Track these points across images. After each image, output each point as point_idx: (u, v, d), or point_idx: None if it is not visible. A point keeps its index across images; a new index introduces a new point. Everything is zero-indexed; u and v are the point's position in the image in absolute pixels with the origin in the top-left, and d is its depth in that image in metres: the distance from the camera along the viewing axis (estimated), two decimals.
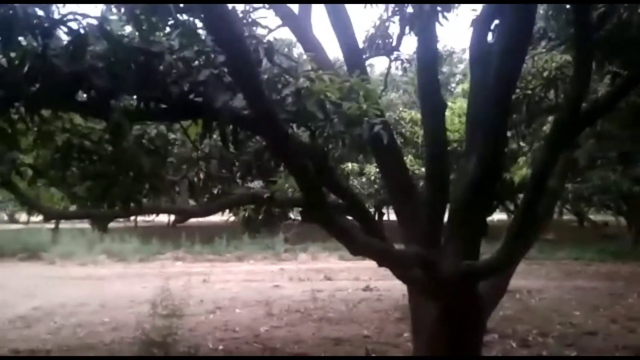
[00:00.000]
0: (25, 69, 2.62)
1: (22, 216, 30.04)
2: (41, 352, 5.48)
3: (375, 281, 9.72)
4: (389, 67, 5.80)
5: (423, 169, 4.40)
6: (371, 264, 7.63)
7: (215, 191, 4.80)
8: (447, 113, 5.35)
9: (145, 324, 6.72)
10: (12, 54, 2.78)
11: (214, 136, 3.46)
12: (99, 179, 3.13)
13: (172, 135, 3.55)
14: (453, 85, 21.24)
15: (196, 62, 2.48)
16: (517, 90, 4.81)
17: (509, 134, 5.32)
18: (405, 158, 4.47)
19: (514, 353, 5.56)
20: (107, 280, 10.79)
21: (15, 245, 14.89)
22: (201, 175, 3.79)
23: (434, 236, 3.92)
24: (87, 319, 6.93)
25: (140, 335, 6.02)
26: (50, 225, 19.77)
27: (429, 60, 4.28)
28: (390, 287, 8.60)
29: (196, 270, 11.64)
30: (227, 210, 5.23)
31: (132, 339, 5.93)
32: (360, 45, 4.75)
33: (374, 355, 5.43)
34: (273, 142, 2.83)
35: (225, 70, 2.47)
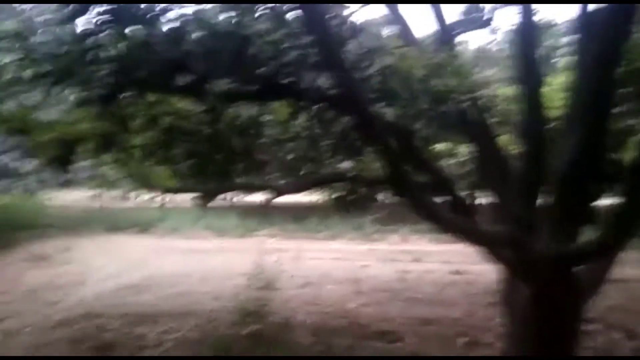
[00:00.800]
0: (132, 57, 2.87)
1: (133, 195, 32.99)
2: (149, 317, 6.04)
3: (465, 265, 9.45)
4: (483, 42, 5.56)
5: (518, 148, 4.20)
6: (462, 247, 7.44)
7: (303, 171, 4.94)
8: (547, 88, 5.03)
9: (241, 295, 7.19)
10: (120, 45, 3.05)
11: (303, 117, 3.57)
12: (197, 157, 3.38)
13: (263, 117, 3.72)
14: (555, 59, 19.71)
15: (284, 45, 2.57)
16: (626, 62, 4.38)
17: (617, 110, 4.87)
18: (500, 136, 4.29)
19: (619, 344, 5.19)
20: (208, 253, 11.55)
21: (128, 221, 16.40)
22: (290, 156, 3.93)
23: (528, 217, 3.75)
24: (191, 288, 7.51)
25: (238, 305, 6.46)
26: (158, 203, 21.46)
27: (527, 33, 4.04)
28: (482, 271, 8.33)
29: (288, 247, 12.08)
30: (317, 190, 5.37)
31: (230, 308, 6.34)
32: (453, 19, 4.59)
33: (467, 338, 5.36)
34: (358, 121, 2.87)
35: (312, 51, 2.54)
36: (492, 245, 3.48)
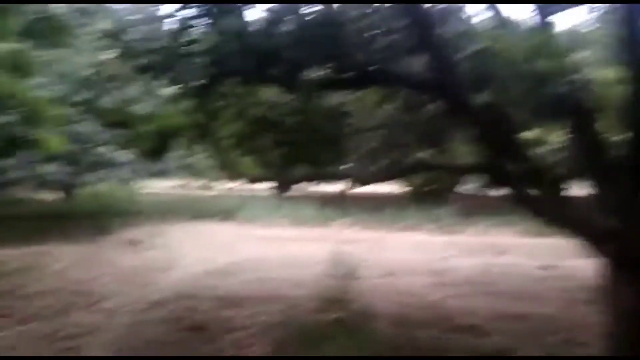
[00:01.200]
0: (226, 49, 2.95)
1: (218, 183, 34.47)
2: (235, 300, 6.28)
3: (554, 259, 8.96)
4: (578, 22, 5.18)
5: (621, 135, 3.89)
6: (548, 240, 7.01)
7: (387, 160, 4.88)
8: None
9: (321, 283, 7.28)
10: (214, 37, 3.15)
11: (391, 104, 3.52)
12: (286, 146, 3.44)
13: (349, 105, 3.71)
14: None
15: (377, 30, 2.54)
16: None
17: None
18: (600, 122, 4.00)
19: None
20: (287, 241, 11.81)
21: (211, 209, 17.18)
22: (375, 144, 3.90)
23: (634, 208, 3.47)
24: (272, 275, 7.72)
25: (319, 293, 6.55)
26: (238, 192, 22.25)
27: (634, 13, 3.72)
28: (572, 266, 7.87)
29: (365, 237, 12.09)
30: (402, 179, 5.30)
31: (312, 295, 6.45)
32: None
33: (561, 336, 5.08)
34: (452, 106, 2.77)
35: (406, 35, 2.48)
36: (597, 239, 3.24)
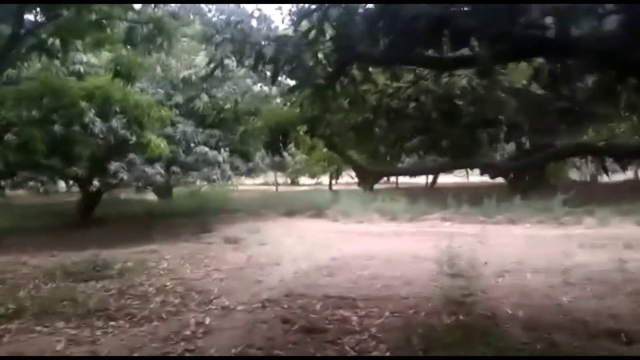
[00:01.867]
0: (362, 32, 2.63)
1: (302, 179, 34.93)
2: (347, 300, 6.02)
3: None
4: None
5: None
6: None
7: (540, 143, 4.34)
8: None
9: (433, 281, 6.86)
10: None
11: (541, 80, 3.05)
12: (422, 134, 3.09)
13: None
14: None
15: None
16: None
17: None
18: None
19: None
20: (384, 237, 11.45)
21: (303, 204, 17.23)
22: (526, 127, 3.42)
23: None
24: (379, 272, 7.40)
25: (435, 292, 6.14)
26: (328, 187, 22.23)
27: None
28: None
29: (467, 232, 11.40)
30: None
31: (428, 295, 6.06)
32: None
33: None
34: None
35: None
36: None
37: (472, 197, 15.22)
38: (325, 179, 30.94)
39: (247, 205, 18.15)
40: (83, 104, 8.48)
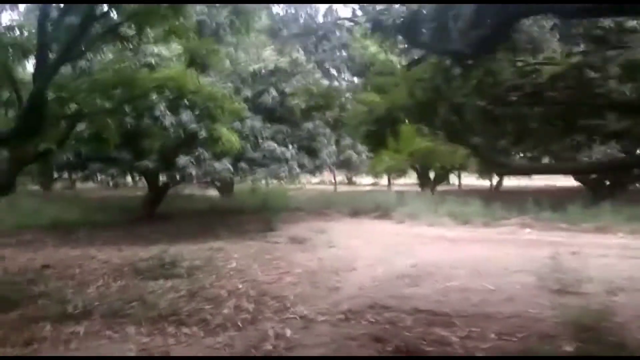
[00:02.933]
0: None
1: (361, 179, 34.20)
2: (441, 316, 5.33)
3: None
4: None
5: None
6: None
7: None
8: None
9: (536, 297, 6.03)
10: None
11: None
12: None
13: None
14: None
15: None
16: None
17: None
18: None
19: None
20: (461, 242, 10.60)
21: (366, 204, 16.55)
22: None
23: None
24: (469, 284, 6.63)
25: (544, 311, 5.35)
26: (385, 186, 21.42)
27: None
28: None
29: (552, 240, 10.37)
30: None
31: (535, 315, 5.27)
32: None
33: None
34: None
35: None
36: None
37: (555, 201, 14.04)
38: (382, 179, 30.14)
39: (308, 204, 17.72)
40: (154, 96, 8.22)
